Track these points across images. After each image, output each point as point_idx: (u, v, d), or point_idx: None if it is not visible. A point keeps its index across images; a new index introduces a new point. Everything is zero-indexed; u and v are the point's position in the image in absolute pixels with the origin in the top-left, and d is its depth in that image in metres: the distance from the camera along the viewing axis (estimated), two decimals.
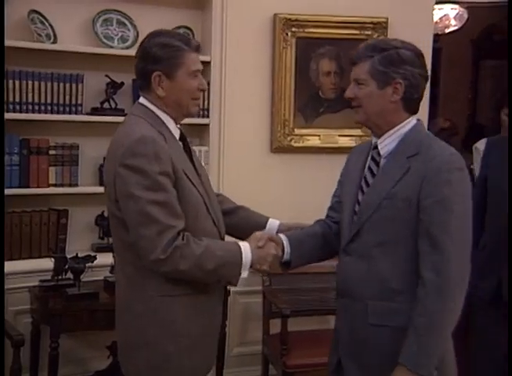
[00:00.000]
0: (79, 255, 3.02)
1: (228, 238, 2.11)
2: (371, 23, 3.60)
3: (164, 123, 1.97)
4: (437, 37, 4.82)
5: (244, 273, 1.94)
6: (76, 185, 3.29)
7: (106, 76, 3.31)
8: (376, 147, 1.92)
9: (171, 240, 1.82)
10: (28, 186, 3.18)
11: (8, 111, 3.09)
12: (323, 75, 3.61)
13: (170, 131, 1.97)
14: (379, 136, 1.91)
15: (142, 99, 2.00)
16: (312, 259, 2.15)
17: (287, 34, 3.52)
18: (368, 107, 1.87)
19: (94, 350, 3.27)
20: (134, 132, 1.88)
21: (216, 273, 1.90)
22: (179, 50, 1.93)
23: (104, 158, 2.24)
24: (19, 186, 3.16)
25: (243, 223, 2.20)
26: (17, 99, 3.11)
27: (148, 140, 1.85)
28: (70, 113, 3.23)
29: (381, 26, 3.61)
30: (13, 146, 3.14)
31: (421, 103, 1.92)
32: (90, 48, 3.29)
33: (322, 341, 2.69)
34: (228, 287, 2.50)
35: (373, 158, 1.92)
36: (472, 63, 6.80)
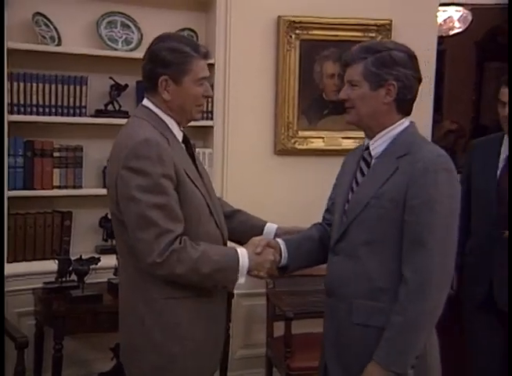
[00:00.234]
0: (83, 257, 3.03)
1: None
2: (375, 25, 3.60)
3: (167, 126, 1.97)
4: (441, 40, 4.81)
5: (241, 279, 1.94)
6: (80, 187, 3.30)
7: (110, 78, 3.32)
8: (367, 148, 1.93)
9: (168, 244, 1.82)
10: (32, 188, 3.19)
11: (12, 113, 3.09)
12: (327, 77, 3.61)
13: (173, 134, 1.97)
14: (371, 138, 1.92)
15: (146, 102, 2.00)
16: (310, 263, 2.14)
17: (291, 37, 3.52)
18: (361, 108, 1.88)
19: (97, 352, 3.27)
20: (137, 135, 1.88)
21: (212, 278, 1.90)
22: (188, 56, 1.94)
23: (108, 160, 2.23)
24: (24, 188, 3.17)
25: (241, 227, 2.20)
26: (21, 101, 3.12)
27: (152, 143, 1.85)
28: (74, 115, 3.24)
29: (385, 28, 3.60)
30: (18, 148, 3.14)
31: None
32: (94, 50, 3.29)
33: None
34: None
35: (364, 159, 1.93)
36: (476, 65, 6.79)
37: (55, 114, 3.20)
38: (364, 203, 1.84)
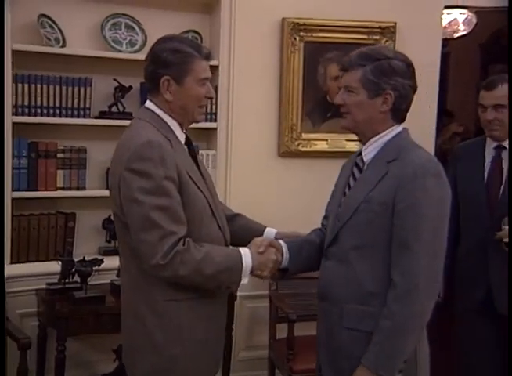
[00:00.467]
0: (86, 258, 3.03)
1: None
2: (379, 27, 3.59)
3: (170, 128, 1.98)
4: (445, 42, 4.81)
5: (244, 279, 1.95)
6: (83, 188, 3.30)
7: (115, 80, 3.32)
8: (360, 154, 1.94)
9: (171, 246, 1.82)
10: (36, 190, 3.20)
11: (16, 115, 3.10)
12: (331, 80, 3.60)
13: (176, 136, 1.98)
14: (364, 143, 1.94)
15: (148, 104, 2.01)
16: (310, 267, 2.13)
17: (295, 39, 3.52)
18: (357, 115, 1.89)
19: (100, 353, 3.27)
20: (140, 136, 1.88)
21: (216, 279, 1.91)
22: (190, 56, 1.94)
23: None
24: (28, 189, 3.18)
25: (241, 231, 2.20)
26: (26, 103, 3.13)
27: (154, 144, 1.85)
28: (78, 116, 3.24)
29: (389, 30, 3.59)
30: (22, 150, 3.15)
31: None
32: (98, 52, 3.30)
33: None
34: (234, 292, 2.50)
35: (356, 164, 1.95)
36: (480, 68, 6.79)
37: (60, 116, 3.21)
38: (354, 207, 1.85)
